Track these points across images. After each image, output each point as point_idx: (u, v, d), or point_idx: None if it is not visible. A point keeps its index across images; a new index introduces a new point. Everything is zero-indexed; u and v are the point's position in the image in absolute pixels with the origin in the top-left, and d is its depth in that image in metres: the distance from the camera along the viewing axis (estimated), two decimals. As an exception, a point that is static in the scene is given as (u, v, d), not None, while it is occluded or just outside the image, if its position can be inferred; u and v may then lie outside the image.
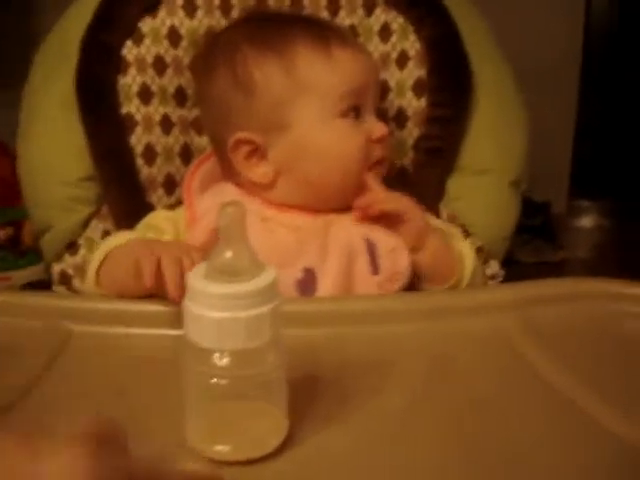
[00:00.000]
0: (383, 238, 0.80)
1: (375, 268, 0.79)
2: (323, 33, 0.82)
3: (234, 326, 0.47)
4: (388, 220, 0.80)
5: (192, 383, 0.51)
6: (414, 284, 0.82)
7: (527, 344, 0.68)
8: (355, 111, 0.81)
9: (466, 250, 0.85)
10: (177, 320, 0.65)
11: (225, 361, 0.48)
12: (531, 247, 2.71)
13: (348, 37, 0.87)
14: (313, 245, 0.80)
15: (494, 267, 0.93)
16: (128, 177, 0.91)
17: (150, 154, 0.91)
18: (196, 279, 0.48)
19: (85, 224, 0.91)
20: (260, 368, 0.50)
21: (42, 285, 0.97)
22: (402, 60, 0.94)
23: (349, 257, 0.79)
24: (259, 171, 0.82)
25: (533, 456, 0.53)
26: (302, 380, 0.59)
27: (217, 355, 0.48)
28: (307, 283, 0.78)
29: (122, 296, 0.73)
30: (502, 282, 0.93)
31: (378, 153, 0.83)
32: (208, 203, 0.82)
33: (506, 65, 0.97)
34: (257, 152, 0.82)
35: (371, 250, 0.80)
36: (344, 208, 0.83)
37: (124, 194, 0.91)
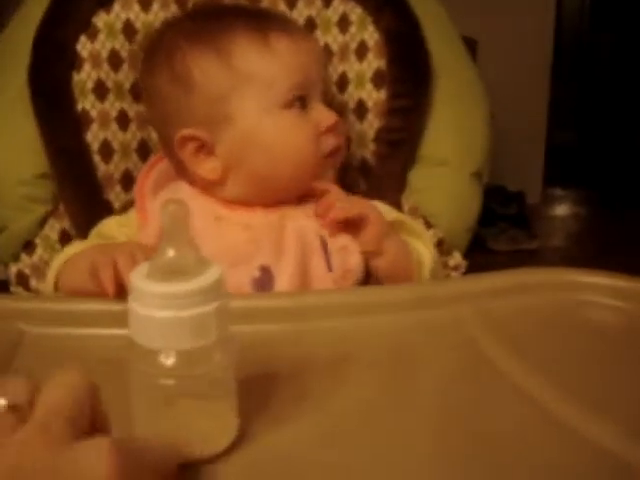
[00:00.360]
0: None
1: (329, 265, 0.79)
2: (263, 24, 0.81)
3: (178, 326, 0.46)
4: (348, 225, 0.79)
5: (139, 384, 0.49)
6: (369, 283, 0.82)
7: (484, 336, 0.67)
8: (300, 101, 0.80)
9: (424, 250, 0.84)
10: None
11: (171, 361, 0.47)
12: (506, 236, 2.73)
13: (291, 26, 0.84)
14: (268, 242, 0.79)
15: (457, 258, 0.93)
16: (84, 174, 0.89)
17: (107, 151, 0.90)
18: (138, 279, 0.47)
19: (42, 223, 0.89)
20: (207, 367, 0.48)
21: (1, 286, 0.95)
22: (361, 51, 0.93)
23: (304, 254, 0.79)
24: (207, 167, 0.81)
25: (493, 450, 0.52)
26: (257, 377, 0.59)
27: (163, 355, 0.47)
28: (264, 281, 0.77)
29: None
30: (465, 273, 0.93)
31: (330, 143, 0.81)
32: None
33: (467, 54, 0.97)
34: (204, 148, 0.81)
35: (324, 247, 0.79)
36: (299, 200, 0.82)
37: (81, 192, 0.89)
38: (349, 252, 0.79)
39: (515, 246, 2.72)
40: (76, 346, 0.67)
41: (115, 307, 0.69)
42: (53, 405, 0.39)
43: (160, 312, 0.46)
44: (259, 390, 0.58)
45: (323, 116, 0.80)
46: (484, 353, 0.64)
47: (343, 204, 0.78)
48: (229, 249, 0.77)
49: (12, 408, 0.39)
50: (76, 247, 0.80)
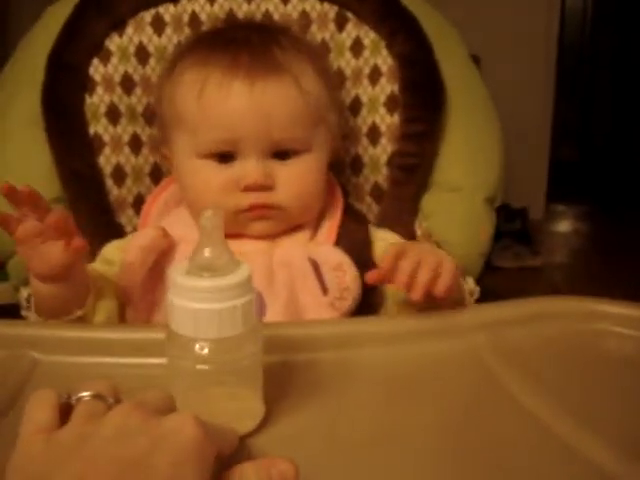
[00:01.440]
0: (326, 255, 0.79)
1: (324, 288, 0.78)
2: (231, 65, 0.78)
3: (212, 317, 0.51)
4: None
5: (177, 371, 0.55)
6: (370, 298, 0.81)
7: (498, 365, 0.66)
8: (223, 155, 0.79)
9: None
10: (144, 349, 0.65)
11: (206, 349, 0.52)
12: (510, 253, 2.73)
13: (258, 70, 0.78)
14: (257, 269, 0.78)
15: (470, 284, 0.92)
16: (97, 198, 0.89)
17: (119, 174, 0.90)
18: (178, 274, 0.53)
19: (53, 247, 0.88)
20: (238, 356, 0.53)
21: (12, 309, 0.94)
22: (374, 76, 0.92)
23: (294, 280, 0.79)
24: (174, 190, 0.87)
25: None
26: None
27: (199, 344, 0.52)
28: (256, 307, 0.77)
29: (49, 304, 0.74)
30: (478, 299, 0.93)
31: (248, 200, 0.79)
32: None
33: (480, 79, 0.97)
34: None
35: (317, 270, 0.79)
36: (290, 230, 0.83)
37: (93, 215, 0.89)
38: (344, 270, 0.78)
39: (519, 263, 2.72)
40: (88, 374, 0.66)
41: (129, 336, 0.69)
42: (139, 400, 0.47)
43: (196, 304, 0.51)
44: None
45: (245, 174, 0.78)
46: (500, 382, 0.64)
47: (418, 261, 0.69)
48: None
49: (98, 397, 0.47)
50: None
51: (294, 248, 0.80)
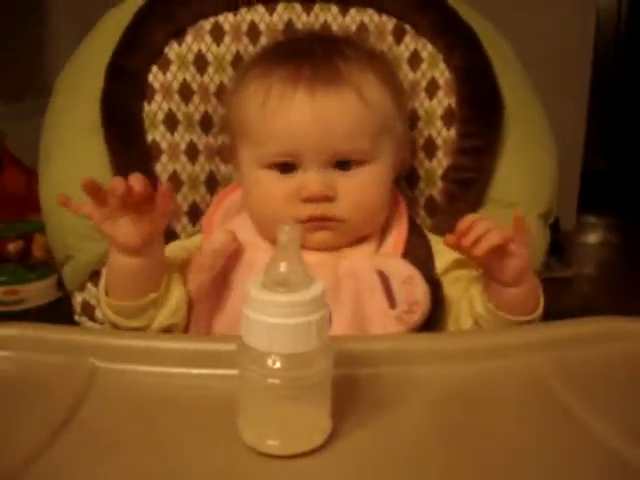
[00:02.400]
0: (395, 268, 0.79)
1: (392, 301, 0.78)
2: (299, 74, 0.78)
3: (285, 331, 0.52)
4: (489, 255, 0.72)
5: (248, 383, 0.55)
6: (436, 313, 0.80)
7: (560, 385, 0.66)
8: (284, 166, 0.79)
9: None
10: (205, 359, 0.66)
11: (277, 364, 0.52)
12: (541, 264, 2.70)
13: (321, 84, 0.78)
14: (323, 281, 0.78)
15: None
16: (153, 206, 0.89)
17: (175, 182, 0.90)
18: (254, 288, 0.53)
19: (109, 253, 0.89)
20: (309, 371, 0.54)
21: (58, 308, 0.95)
22: (431, 89, 0.92)
23: (360, 292, 0.78)
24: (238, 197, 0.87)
25: None
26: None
27: (271, 358, 0.52)
28: None
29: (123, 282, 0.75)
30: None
31: (307, 211, 0.78)
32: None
33: (534, 93, 0.96)
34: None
35: (385, 282, 0.78)
36: (356, 241, 0.82)
37: (149, 223, 0.89)
38: (414, 284, 0.77)
39: (549, 274, 2.70)
40: (148, 383, 0.67)
41: (191, 346, 0.69)
42: None
43: (271, 319, 0.52)
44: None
45: (305, 185, 0.78)
46: (561, 403, 0.63)
47: (492, 227, 0.71)
48: None
49: None
50: None
51: (360, 260, 0.80)
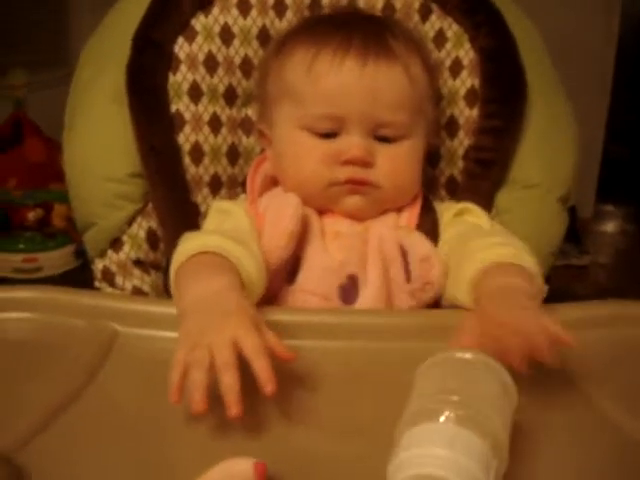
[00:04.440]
0: (416, 245, 0.79)
1: (408, 275, 0.79)
2: (350, 43, 0.80)
3: None
4: None
5: None
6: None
7: (573, 366, 0.66)
8: (329, 129, 0.80)
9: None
10: None
11: None
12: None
13: (370, 50, 0.80)
14: (355, 251, 0.80)
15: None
16: (174, 175, 0.90)
17: (197, 153, 0.91)
18: None
19: (130, 221, 0.90)
20: None
21: (76, 276, 0.97)
22: (455, 68, 0.92)
23: (385, 262, 0.79)
24: (268, 165, 0.87)
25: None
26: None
27: None
28: (350, 290, 0.79)
29: None
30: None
31: (345, 173, 0.80)
32: (268, 205, 0.83)
33: (558, 78, 0.96)
34: (268, 145, 0.88)
35: (404, 256, 0.79)
36: (382, 212, 0.84)
37: (170, 192, 0.90)
38: (431, 264, 0.78)
39: (565, 261, 2.69)
40: (169, 349, 0.65)
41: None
42: None
43: None
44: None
45: (348, 147, 0.79)
46: (574, 384, 0.64)
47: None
48: (323, 254, 0.79)
49: None
50: (205, 241, 0.73)
51: (385, 230, 0.81)
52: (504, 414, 0.51)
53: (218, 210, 0.86)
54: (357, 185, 0.81)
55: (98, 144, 0.89)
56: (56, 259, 2.10)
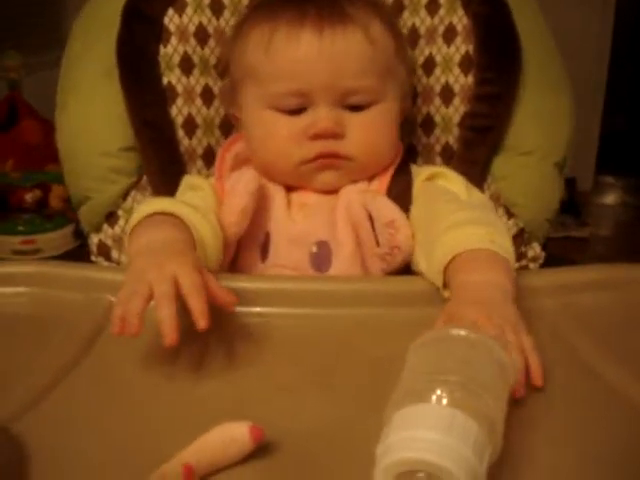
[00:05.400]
0: (380, 209, 0.78)
1: (377, 239, 0.78)
2: (304, 15, 0.78)
3: None
4: None
5: None
6: None
7: (568, 328, 0.67)
8: (295, 105, 0.79)
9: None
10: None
11: None
12: (556, 222, 2.69)
13: (327, 23, 0.78)
14: (321, 217, 0.80)
15: (536, 249, 0.92)
16: (168, 148, 0.90)
17: (190, 125, 0.90)
18: None
19: (125, 195, 0.90)
20: None
21: (76, 256, 0.97)
22: (449, 35, 0.91)
23: (354, 227, 0.79)
24: (241, 145, 0.86)
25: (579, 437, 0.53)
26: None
27: None
28: (322, 257, 0.79)
29: None
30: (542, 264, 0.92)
31: (315, 148, 0.79)
32: (233, 183, 0.82)
33: (553, 44, 0.95)
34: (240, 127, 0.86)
35: (371, 221, 0.78)
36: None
37: (164, 165, 0.89)
38: (396, 228, 0.76)
39: (565, 233, 2.69)
40: None
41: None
42: None
43: None
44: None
45: (315, 121, 0.78)
46: (570, 345, 0.64)
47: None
48: (288, 225, 0.80)
49: None
50: (162, 204, 0.74)
51: (352, 194, 0.80)
52: (501, 396, 0.48)
53: (187, 184, 0.86)
54: (328, 159, 0.79)
55: (90, 119, 0.89)
56: (55, 240, 2.10)
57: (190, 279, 0.59)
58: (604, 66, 3.00)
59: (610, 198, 3.21)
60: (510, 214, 0.91)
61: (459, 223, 0.69)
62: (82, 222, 0.92)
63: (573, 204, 2.80)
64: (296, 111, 0.79)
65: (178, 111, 0.90)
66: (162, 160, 0.89)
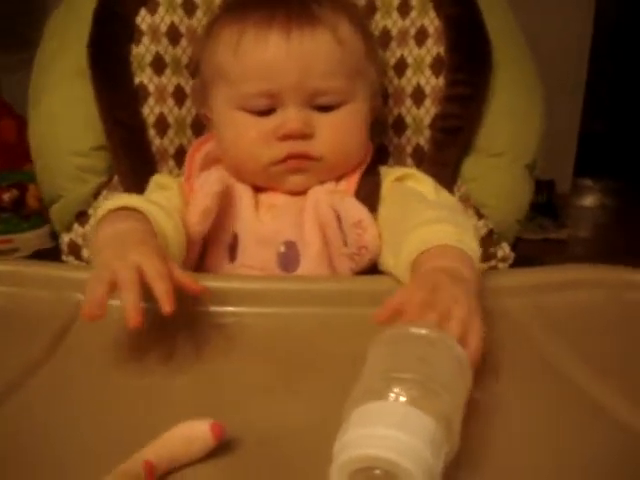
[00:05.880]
0: (348, 209, 0.78)
1: (344, 239, 0.78)
2: (273, 16, 0.78)
3: None
4: None
5: None
6: None
7: (535, 329, 0.67)
8: (264, 106, 0.79)
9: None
10: (188, 295, 0.65)
11: None
12: (535, 224, 2.71)
13: (294, 23, 0.78)
14: (288, 218, 0.80)
15: (505, 249, 0.92)
16: (139, 148, 0.90)
17: (162, 125, 0.90)
18: None
19: (96, 194, 0.90)
20: None
21: (50, 255, 0.96)
22: (421, 37, 0.91)
23: (322, 227, 0.79)
24: (213, 145, 0.86)
25: (537, 443, 0.52)
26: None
27: None
28: (289, 257, 0.79)
29: None
30: (511, 264, 0.93)
31: (284, 149, 0.79)
32: (201, 183, 0.82)
33: (525, 44, 0.95)
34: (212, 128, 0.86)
35: (339, 221, 0.79)
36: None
37: (135, 165, 0.89)
38: (364, 228, 0.77)
39: (543, 235, 2.71)
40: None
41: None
42: None
43: None
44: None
45: (284, 122, 0.78)
46: (536, 346, 0.65)
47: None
48: (256, 226, 0.80)
49: None
50: (126, 200, 0.74)
51: (320, 194, 0.80)
52: (460, 395, 0.48)
53: (155, 183, 0.86)
54: (298, 159, 0.80)
55: (62, 118, 0.89)
56: (32, 240, 2.08)
57: (154, 266, 0.60)
58: (583, 68, 3.01)
59: (588, 200, 3.23)
60: (480, 215, 0.91)
61: (427, 221, 0.69)
62: (53, 221, 0.92)
63: (551, 206, 2.82)
64: (265, 112, 0.79)
65: (150, 111, 0.90)
66: (133, 160, 0.89)
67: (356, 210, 0.77)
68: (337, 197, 0.79)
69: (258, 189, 0.83)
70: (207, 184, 0.80)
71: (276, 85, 0.78)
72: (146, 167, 0.90)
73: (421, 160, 0.93)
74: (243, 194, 0.82)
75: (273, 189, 0.83)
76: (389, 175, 0.84)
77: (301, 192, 0.82)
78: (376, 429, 0.43)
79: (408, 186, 0.83)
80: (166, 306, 0.58)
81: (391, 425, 0.43)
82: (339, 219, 0.78)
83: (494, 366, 0.60)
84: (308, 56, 0.78)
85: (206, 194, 0.78)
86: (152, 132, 0.90)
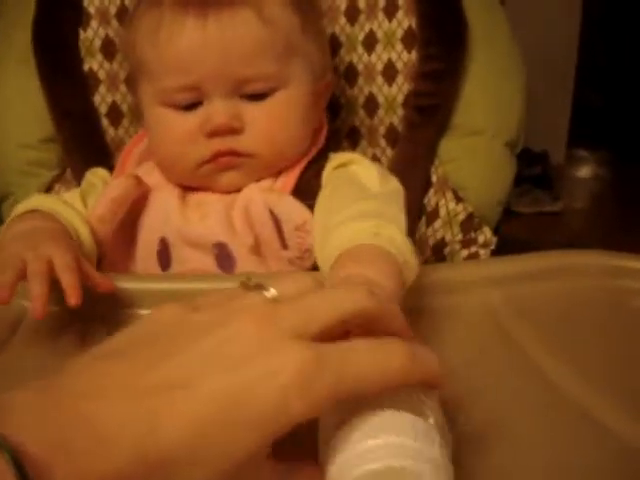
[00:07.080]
0: (289, 212, 0.71)
1: (283, 243, 0.72)
2: (187, 2, 0.69)
3: None
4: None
5: None
6: None
7: (512, 321, 0.63)
8: (186, 102, 0.71)
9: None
10: (132, 298, 0.64)
11: None
12: (529, 198, 2.68)
13: (212, 12, 0.69)
14: (216, 218, 0.73)
15: (487, 234, 0.87)
16: (92, 139, 0.86)
17: (115, 114, 0.86)
18: None
19: (48, 188, 0.86)
20: None
21: None
22: (390, 9, 0.85)
23: (254, 227, 0.72)
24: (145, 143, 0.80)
25: (514, 435, 0.49)
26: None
27: None
28: (225, 259, 0.72)
29: None
30: (493, 250, 0.88)
31: (212, 147, 0.72)
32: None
33: (503, 15, 0.90)
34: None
35: (277, 224, 0.72)
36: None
37: (88, 157, 0.85)
38: (307, 230, 0.70)
39: (538, 208, 2.67)
40: (79, 324, 0.64)
41: (122, 285, 0.66)
42: None
43: None
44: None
45: (209, 116, 0.71)
46: (512, 339, 0.61)
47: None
48: (184, 230, 0.73)
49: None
50: (38, 201, 0.72)
51: (254, 193, 0.73)
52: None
53: (86, 179, 0.80)
54: (227, 157, 0.72)
55: (8, 109, 0.85)
56: None
57: (64, 259, 0.59)
58: (575, 38, 2.97)
59: (583, 171, 3.20)
60: (459, 198, 0.86)
61: (350, 218, 0.61)
62: (4, 219, 0.87)
63: (546, 178, 2.78)
64: (190, 106, 0.71)
65: (101, 99, 0.85)
66: (86, 152, 0.85)
67: (298, 212, 0.71)
68: (274, 197, 0.72)
69: (188, 188, 0.76)
70: (109, 188, 0.73)
71: (196, 77, 0.70)
72: (100, 159, 0.85)
73: (395, 141, 0.88)
74: (169, 195, 0.75)
75: (205, 189, 0.76)
76: (332, 161, 0.76)
77: (235, 190, 0.75)
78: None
79: (350, 171, 0.74)
80: (71, 299, 0.56)
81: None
82: (277, 221, 0.71)
83: (466, 359, 0.57)
84: (227, 41, 0.69)
85: (99, 202, 0.73)
86: (105, 122, 0.86)
